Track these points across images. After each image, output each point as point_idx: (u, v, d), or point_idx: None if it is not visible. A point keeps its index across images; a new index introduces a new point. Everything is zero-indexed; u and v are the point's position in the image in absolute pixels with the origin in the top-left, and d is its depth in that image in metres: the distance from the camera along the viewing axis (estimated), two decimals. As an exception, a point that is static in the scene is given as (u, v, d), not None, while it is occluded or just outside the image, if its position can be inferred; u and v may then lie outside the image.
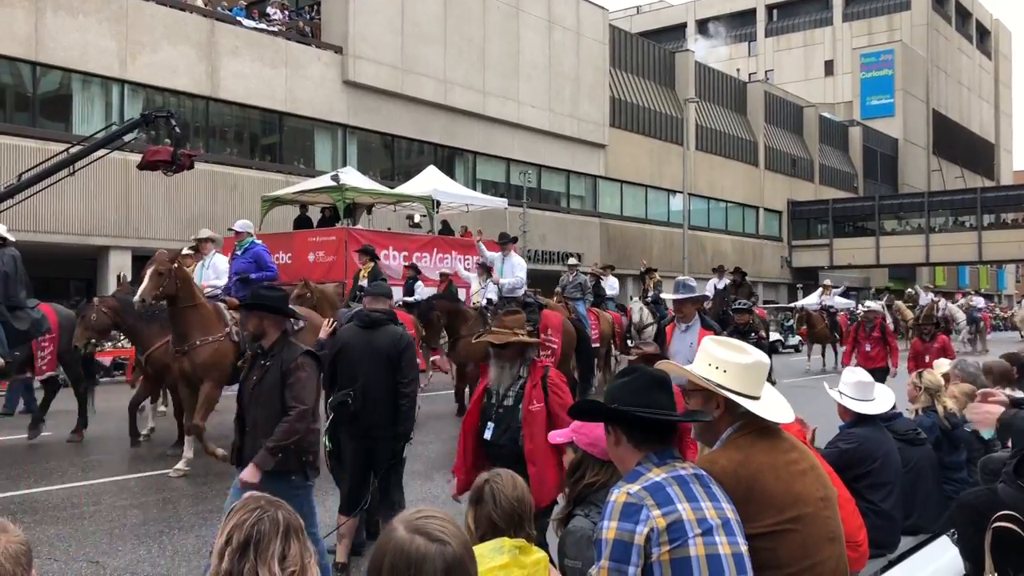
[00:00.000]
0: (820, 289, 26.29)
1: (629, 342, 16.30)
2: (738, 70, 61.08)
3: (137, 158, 13.17)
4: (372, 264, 13.28)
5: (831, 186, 54.64)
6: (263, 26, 25.17)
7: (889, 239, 50.29)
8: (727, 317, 15.45)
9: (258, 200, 19.85)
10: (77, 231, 20.79)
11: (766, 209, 49.61)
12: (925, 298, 28.02)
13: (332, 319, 6.74)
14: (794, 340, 28.96)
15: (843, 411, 4.95)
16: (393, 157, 29.46)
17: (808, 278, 48.53)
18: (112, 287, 21.08)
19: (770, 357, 3.23)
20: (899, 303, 27.15)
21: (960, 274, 64.01)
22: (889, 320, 25.24)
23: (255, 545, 1.91)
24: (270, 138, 26.37)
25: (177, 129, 12.22)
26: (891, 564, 4.43)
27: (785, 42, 68.84)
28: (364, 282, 12.69)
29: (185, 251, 10.81)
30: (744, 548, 2.55)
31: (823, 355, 23.25)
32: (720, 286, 17.91)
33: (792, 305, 32.69)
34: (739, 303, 14.39)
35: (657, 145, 40.72)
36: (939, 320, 20.47)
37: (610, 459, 3.12)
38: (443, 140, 29.89)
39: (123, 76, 21.86)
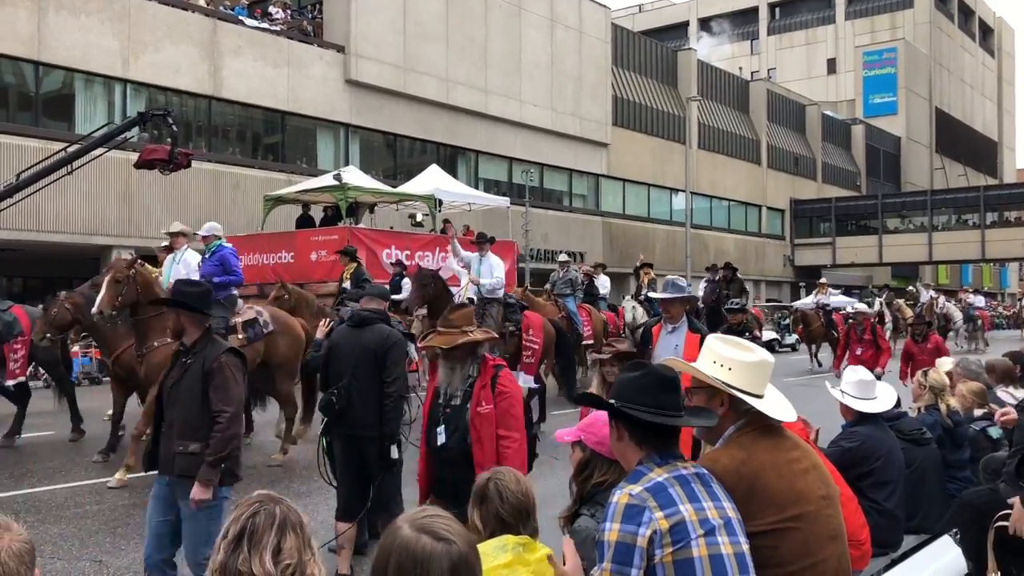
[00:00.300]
0: (816, 288, 26.05)
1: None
2: (740, 68, 61.04)
3: (139, 157, 13.18)
4: (355, 265, 13.06)
5: (834, 184, 54.58)
6: (265, 25, 25.18)
7: (892, 237, 50.21)
8: (720, 316, 15.27)
9: (260, 199, 19.88)
10: (80, 230, 20.82)
11: (769, 208, 49.57)
12: (925, 296, 27.97)
13: (329, 319, 6.72)
14: (791, 339, 28.82)
15: (845, 410, 4.94)
16: (395, 156, 29.47)
17: (811, 277, 48.43)
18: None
19: None
20: (899, 301, 27.10)
21: (963, 272, 63.92)
22: (889, 318, 25.20)
23: (249, 537, 1.91)
24: (272, 137, 26.39)
25: (174, 127, 12.16)
26: (894, 563, 4.43)
27: (787, 40, 68.74)
28: (348, 284, 12.63)
29: (162, 245, 10.60)
30: (746, 547, 2.55)
31: (816, 354, 22.97)
32: (701, 291, 17.48)
33: (788, 304, 32.65)
34: (732, 303, 14.19)
35: (659, 144, 40.70)
36: (932, 320, 20.33)
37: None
38: (445, 139, 29.89)
39: (125, 76, 21.87)
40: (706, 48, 61.34)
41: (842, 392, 4.90)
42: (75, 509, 7.47)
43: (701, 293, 17.23)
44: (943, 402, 5.70)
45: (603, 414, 3.38)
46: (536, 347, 11.86)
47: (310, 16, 27.55)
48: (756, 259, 47.75)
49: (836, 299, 25.44)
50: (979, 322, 30.60)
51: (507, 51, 31.68)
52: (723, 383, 2.84)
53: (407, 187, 20.97)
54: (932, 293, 28.69)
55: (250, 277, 15.68)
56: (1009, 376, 6.49)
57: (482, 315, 11.59)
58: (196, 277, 9.67)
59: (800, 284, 48.75)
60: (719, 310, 15.60)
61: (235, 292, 9.93)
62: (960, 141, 68.13)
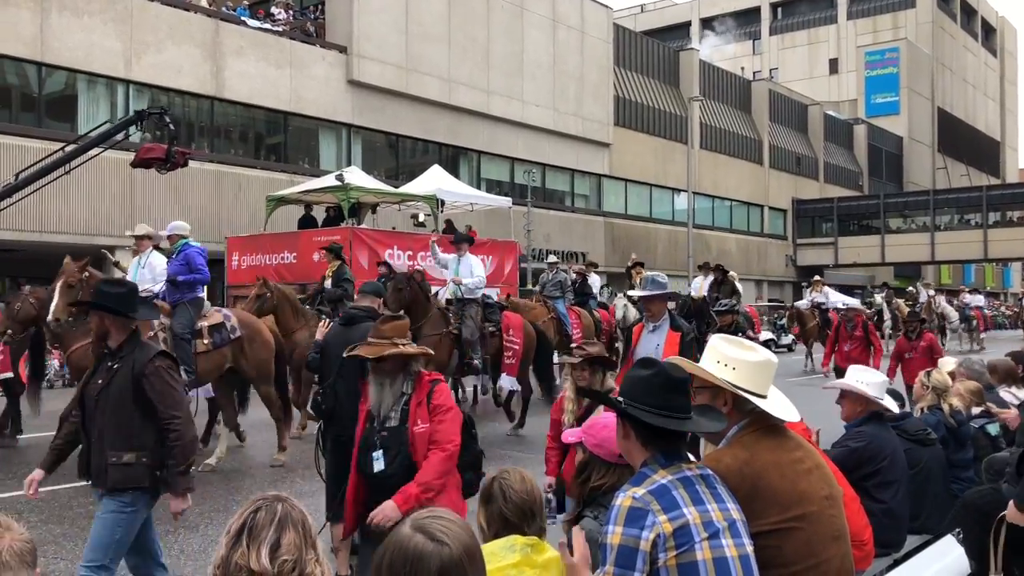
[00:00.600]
0: (811, 286, 25.75)
1: (617, 344, 15.36)
2: (742, 68, 61.02)
3: (142, 158, 13.16)
4: (338, 264, 12.63)
5: (836, 184, 54.56)
6: (267, 26, 25.21)
7: (894, 237, 50.18)
8: (711, 319, 15.00)
9: (263, 200, 19.90)
10: (82, 231, 20.84)
11: (771, 208, 49.56)
12: (924, 296, 27.88)
13: (328, 320, 6.71)
14: (787, 339, 28.67)
15: (851, 409, 4.88)
16: (397, 156, 29.49)
17: (813, 277, 48.45)
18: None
19: None
20: (898, 300, 27.03)
21: (966, 272, 63.83)
22: (888, 316, 25.11)
23: (248, 532, 1.92)
24: (275, 138, 26.41)
25: (171, 126, 12.12)
26: (896, 563, 4.42)
27: (789, 40, 68.72)
28: (328, 283, 12.30)
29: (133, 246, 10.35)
30: (750, 549, 2.54)
31: (811, 354, 22.60)
32: (695, 286, 17.28)
33: (784, 303, 32.56)
34: (721, 304, 13.88)
35: (661, 144, 40.70)
36: (928, 318, 19.99)
37: (617, 462, 3.11)
38: (447, 139, 29.91)
39: (128, 76, 21.91)
40: (708, 48, 61.35)
41: (862, 382, 4.81)
42: (78, 509, 7.48)
43: (693, 291, 16.94)
44: (946, 402, 5.69)
45: (605, 416, 3.39)
46: (517, 347, 11.72)
47: (312, 17, 27.58)
48: (758, 259, 47.73)
49: (835, 296, 25.28)
50: (974, 322, 30.56)
51: (509, 51, 31.69)
52: (729, 383, 2.84)
53: (409, 187, 20.97)
54: (931, 292, 28.57)
55: (252, 278, 15.68)
56: (1011, 376, 6.50)
57: (462, 315, 11.45)
58: (162, 280, 9.48)
59: (802, 284, 48.60)
60: (704, 312, 15.27)
61: (202, 294, 9.66)
62: (962, 141, 68.07)
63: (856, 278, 53.75)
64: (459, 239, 12.61)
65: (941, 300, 29.17)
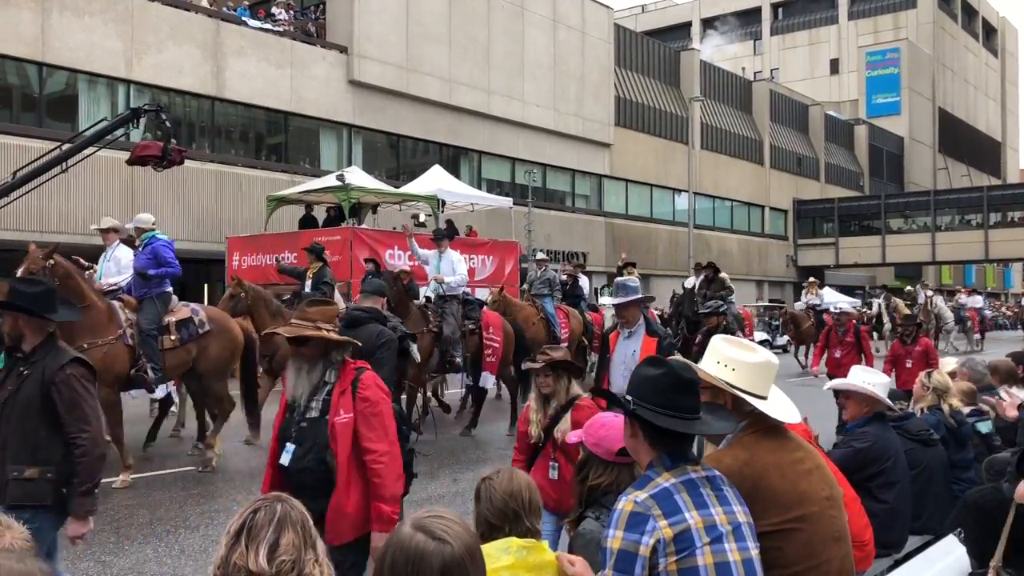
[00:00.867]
0: (805, 287, 25.51)
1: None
2: (743, 69, 61.01)
3: (145, 157, 13.12)
4: (319, 265, 12.05)
5: (837, 185, 54.55)
6: (268, 26, 25.21)
7: (895, 238, 50.16)
8: (698, 319, 14.66)
9: (264, 200, 19.91)
10: (83, 231, 20.80)
11: (771, 208, 49.54)
12: (923, 297, 27.77)
13: None
14: (782, 340, 28.49)
15: (856, 409, 4.86)
16: (398, 157, 29.50)
17: (814, 277, 48.42)
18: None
19: None
20: (897, 301, 26.93)
21: (967, 273, 63.83)
22: (887, 319, 25.00)
23: (247, 533, 1.93)
24: (275, 138, 26.42)
25: (167, 123, 12.07)
26: (897, 563, 4.42)
27: (790, 40, 68.72)
28: (308, 283, 11.86)
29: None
30: (755, 553, 2.52)
31: (807, 354, 22.44)
32: (689, 284, 16.99)
33: (784, 304, 32.46)
34: (706, 306, 13.47)
35: (662, 144, 40.69)
36: (923, 321, 19.62)
37: (614, 460, 3.11)
38: (448, 139, 29.91)
39: (129, 76, 21.90)
40: (709, 48, 61.32)
41: (871, 384, 4.81)
42: (79, 509, 7.48)
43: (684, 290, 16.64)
44: (946, 402, 5.70)
45: (604, 414, 3.38)
46: (497, 345, 11.60)
47: (313, 17, 27.58)
48: (759, 259, 47.73)
49: (831, 297, 25.13)
50: (968, 323, 30.55)
51: (510, 51, 31.69)
52: (725, 383, 2.84)
53: (410, 187, 20.99)
54: (928, 293, 28.40)
55: (253, 278, 15.65)
56: (1012, 376, 6.50)
57: (442, 313, 11.32)
58: (128, 274, 9.29)
59: (803, 285, 48.69)
60: (696, 312, 14.84)
61: (169, 289, 9.36)
62: (963, 141, 68.06)
63: (857, 279, 53.73)
64: (439, 235, 12.35)
65: (938, 301, 29.08)
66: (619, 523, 2.43)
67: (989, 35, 77.34)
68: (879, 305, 26.17)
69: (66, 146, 12.23)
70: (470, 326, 11.67)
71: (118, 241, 9.78)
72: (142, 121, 12.41)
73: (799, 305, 23.42)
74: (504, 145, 31.99)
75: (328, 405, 3.82)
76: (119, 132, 12.87)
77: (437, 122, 29.19)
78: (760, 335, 27.45)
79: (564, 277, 16.68)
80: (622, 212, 38.60)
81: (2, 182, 11.98)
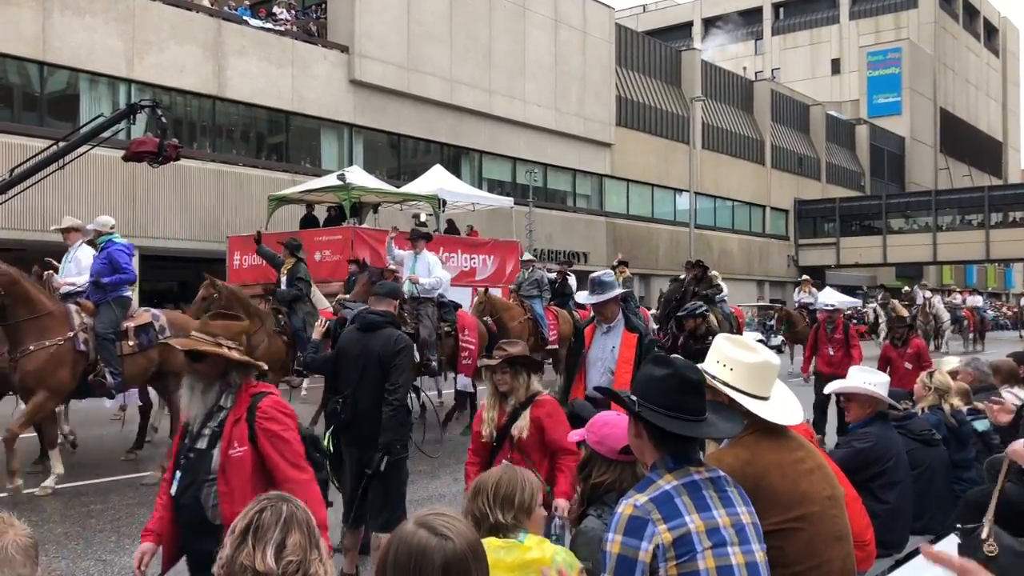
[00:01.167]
0: (798, 286, 25.18)
1: None
2: (744, 68, 61.00)
3: (145, 157, 13.09)
4: (293, 261, 11.59)
5: (838, 185, 54.53)
6: (269, 26, 25.22)
7: (896, 238, 50.15)
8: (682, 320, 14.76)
9: (264, 199, 19.91)
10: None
11: (773, 208, 49.54)
12: (921, 298, 27.67)
13: (324, 320, 6.59)
14: (777, 340, 28.25)
15: (858, 409, 4.86)
16: (399, 156, 29.50)
17: (815, 277, 48.17)
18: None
19: None
20: (895, 302, 26.84)
21: (968, 273, 63.80)
22: (884, 320, 24.92)
23: (254, 532, 1.93)
24: (276, 137, 26.42)
25: (163, 119, 12.02)
26: (898, 563, 4.42)
27: (792, 40, 68.71)
28: (283, 279, 11.55)
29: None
30: (760, 555, 2.49)
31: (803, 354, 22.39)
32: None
33: (785, 304, 32.32)
34: (684, 308, 12.95)
35: (663, 144, 40.69)
36: (919, 322, 19.32)
37: (617, 459, 3.11)
38: (449, 139, 29.91)
39: (130, 76, 21.91)
40: (710, 48, 61.33)
41: (872, 384, 4.81)
42: (80, 508, 7.49)
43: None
44: (947, 402, 5.70)
45: (606, 412, 3.38)
46: (472, 347, 11.49)
47: (314, 16, 27.59)
48: (760, 259, 47.72)
49: (833, 297, 24.93)
50: (964, 323, 30.53)
51: (511, 51, 31.69)
52: (727, 384, 2.83)
53: (411, 187, 20.99)
54: (927, 294, 28.24)
55: (255, 277, 15.71)
56: (1014, 376, 6.49)
57: (417, 315, 11.16)
58: (87, 275, 9.04)
59: (812, 283, 48.68)
60: (671, 315, 14.66)
61: (128, 293, 9.08)
62: (964, 141, 68.04)
63: (858, 279, 53.73)
64: (415, 235, 12.09)
65: (936, 302, 28.99)
66: (618, 527, 2.41)
67: (990, 35, 77.32)
68: (875, 307, 26.07)
69: (63, 143, 12.18)
70: (446, 328, 11.55)
71: (80, 241, 9.53)
72: (139, 117, 12.36)
73: (792, 304, 23.24)
74: (505, 145, 31.99)
75: (218, 436, 3.39)
76: (116, 129, 12.77)
77: (438, 122, 29.19)
78: (755, 335, 27.32)
79: (554, 275, 16.56)
80: (623, 212, 38.60)
81: (0, 180, 11.95)
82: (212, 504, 3.36)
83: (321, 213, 19.33)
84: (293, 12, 26.80)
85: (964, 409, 5.74)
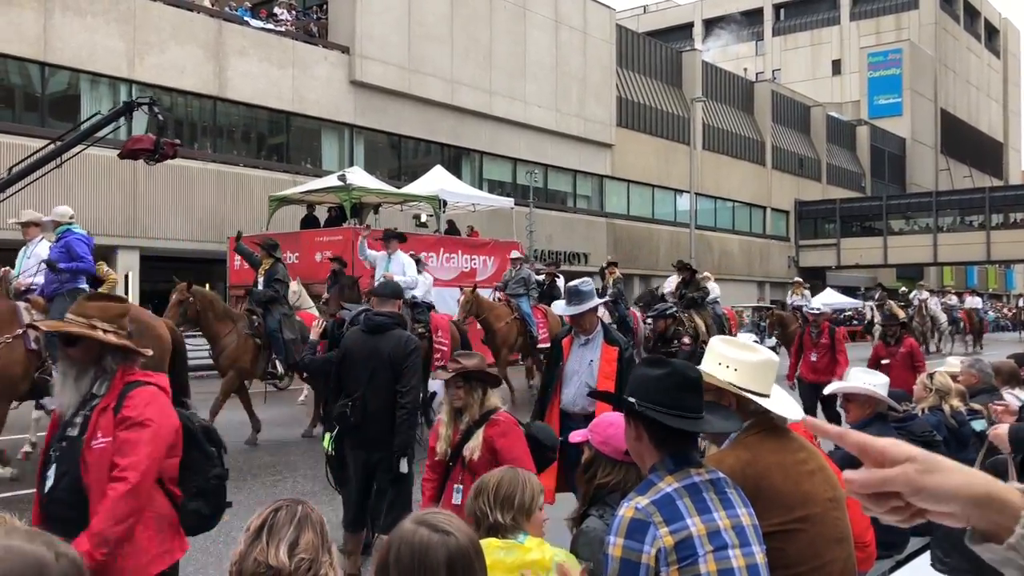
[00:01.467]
0: (791, 288, 25.03)
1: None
2: (745, 69, 60.99)
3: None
4: (271, 262, 11.32)
5: (838, 186, 54.53)
6: (270, 26, 25.24)
7: (897, 239, 50.15)
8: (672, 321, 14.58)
9: (265, 200, 19.92)
10: (84, 230, 20.86)
11: (773, 209, 49.54)
12: (917, 299, 27.56)
13: (321, 320, 6.54)
14: (771, 342, 28.05)
15: (858, 411, 4.86)
16: (400, 157, 29.51)
17: (815, 278, 48.41)
18: (119, 287, 21.18)
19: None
20: (891, 303, 26.73)
21: (968, 274, 63.80)
22: (878, 319, 24.80)
23: (268, 530, 1.97)
24: (277, 138, 26.44)
25: (160, 117, 12.00)
26: (898, 565, 4.43)
27: (792, 41, 68.70)
28: (260, 280, 11.30)
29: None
30: (760, 557, 2.49)
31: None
32: (670, 285, 16.58)
33: (773, 304, 32.26)
34: (654, 309, 12.85)
35: (664, 145, 40.69)
36: (917, 322, 19.09)
37: (623, 459, 3.10)
38: (450, 140, 29.92)
39: (131, 76, 21.92)
40: (711, 49, 61.31)
41: (873, 385, 4.80)
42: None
43: (666, 289, 16.39)
44: (947, 403, 5.70)
45: (611, 413, 3.37)
46: (446, 349, 11.40)
47: (315, 17, 27.61)
48: (761, 260, 47.72)
49: (833, 299, 24.86)
50: (960, 323, 30.52)
51: (511, 52, 31.70)
52: (732, 385, 2.84)
53: (411, 188, 21.01)
54: (923, 296, 28.12)
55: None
56: (1015, 378, 6.49)
57: None
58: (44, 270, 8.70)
59: (805, 286, 48.67)
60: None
61: (83, 285, 8.63)
62: (965, 142, 68.02)
63: (858, 280, 53.71)
64: (388, 236, 11.95)
65: (933, 303, 28.90)
66: (620, 530, 2.40)
67: (991, 36, 77.32)
68: (870, 307, 26.02)
69: (59, 142, 12.16)
70: (419, 329, 11.37)
71: (40, 236, 9.18)
72: (142, 117, 12.33)
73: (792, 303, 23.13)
74: (506, 146, 32.00)
75: (87, 423, 3.15)
76: (112, 127, 12.71)
77: (439, 122, 29.20)
78: (750, 336, 27.07)
79: (542, 277, 16.48)
80: (623, 213, 38.61)
81: None
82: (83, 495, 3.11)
83: (322, 214, 19.34)
84: (294, 13, 26.82)
85: (963, 410, 5.75)
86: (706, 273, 17.12)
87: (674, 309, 12.44)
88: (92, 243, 8.95)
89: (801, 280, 25.09)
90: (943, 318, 28.93)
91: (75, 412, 3.21)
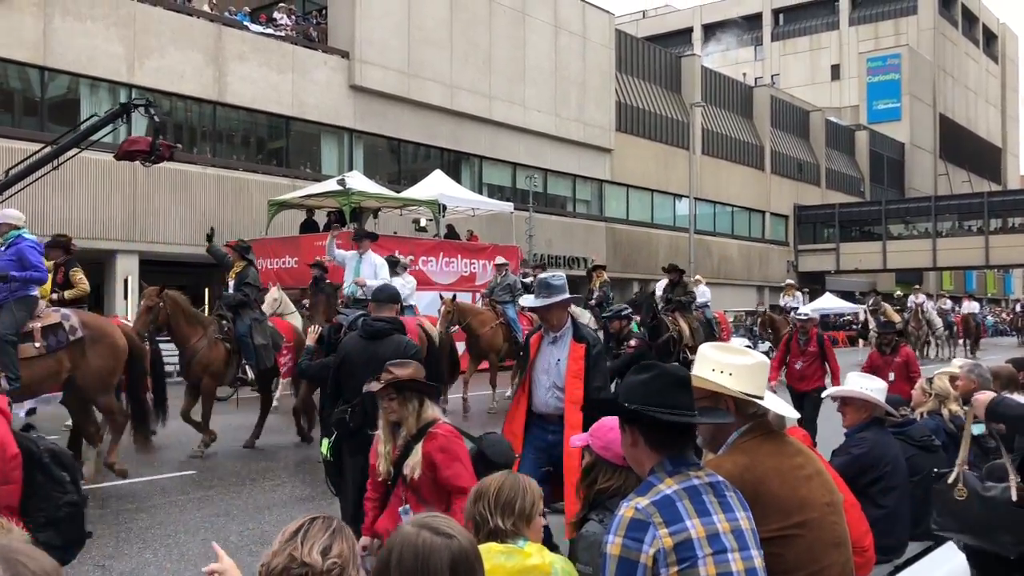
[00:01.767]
0: (783, 290, 24.89)
1: None
2: (744, 74, 61.06)
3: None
4: (243, 264, 11.02)
5: (837, 190, 54.57)
6: (270, 31, 25.26)
7: (896, 243, 50.19)
8: (658, 323, 14.49)
9: (265, 204, 19.94)
10: (84, 234, 20.80)
11: (772, 213, 49.57)
12: (912, 304, 27.44)
13: (317, 325, 6.51)
14: (764, 346, 27.84)
15: (855, 415, 4.86)
16: (399, 161, 29.52)
17: (815, 282, 48.47)
18: (119, 291, 21.19)
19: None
20: (886, 306, 26.64)
21: (967, 279, 63.83)
22: (873, 324, 24.76)
23: (303, 533, 1.99)
24: (277, 142, 26.45)
25: (156, 119, 11.97)
26: (897, 569, 4.42)
27: (791, 46, 68.81)
28: (231, 283, 11.03)
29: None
30: (758, 561, 2.49)
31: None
32: (660, 287, 16.45)
33: (758, 308, 32.20)
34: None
35: (663, 149, 40.73)
36: (901, 330, 18.92)
37: (624, 464, 3.10)
38: (449, 144, 29.94)
39: (131, 81, 21.93)
40: (710, 54, 61.40)
41: (868, 389, 4.80)
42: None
43: (657, 293, 16.25)
44: (946, 408, 5.70)
45: (611, 418, 3.37)
46: None
47: (314, 22, 27.63)
48: (760, 265, 47.74)
49: (833, 303, 24.81)
50: (955, 328, 30.54)
51: (511, 57, 31.74)
52: (734, 389, 2.83)
53: (411, 192, 21.06)
54: (919, 300, 28.02)
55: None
56: (1013, 382, 6.48)
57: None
58: None
59: (804, 290, 48.69)
60: (656, 317, 14.56)
61: (35, 292, 8.34)
62: (964, 147, 68.11)
63: (857, 284, 53.72)
64: (359, 235, 11.67)
65: (929, 307, 28.81)
66: (619, 529, 2.39)
67: (989, 41, 77.45)
68: (865, 312, 25.97)
69: (55, 145, 12.16)
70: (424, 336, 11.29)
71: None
72: (135, 117, 12.31)
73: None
74: (505, 150, 32.02)
75: None
76: (110, 129, 12.70)
77: (438, 127, 29.22)
78: (743, 340, 26.92)
79: (529, 280, 16.44)
80: (623, 217, 38.62)
81: None
82: None
83: (321, 218, 19.37)
84: (293, 17, 26.84)
85: (962, 414, 5.75)
86: (697, 276, 17.07)
87: (630, 311, 12.32)
88: (43, 248, 8.68)
89: (793, 282, 24.98)
90: (939, 323, 28.92)
91: None
